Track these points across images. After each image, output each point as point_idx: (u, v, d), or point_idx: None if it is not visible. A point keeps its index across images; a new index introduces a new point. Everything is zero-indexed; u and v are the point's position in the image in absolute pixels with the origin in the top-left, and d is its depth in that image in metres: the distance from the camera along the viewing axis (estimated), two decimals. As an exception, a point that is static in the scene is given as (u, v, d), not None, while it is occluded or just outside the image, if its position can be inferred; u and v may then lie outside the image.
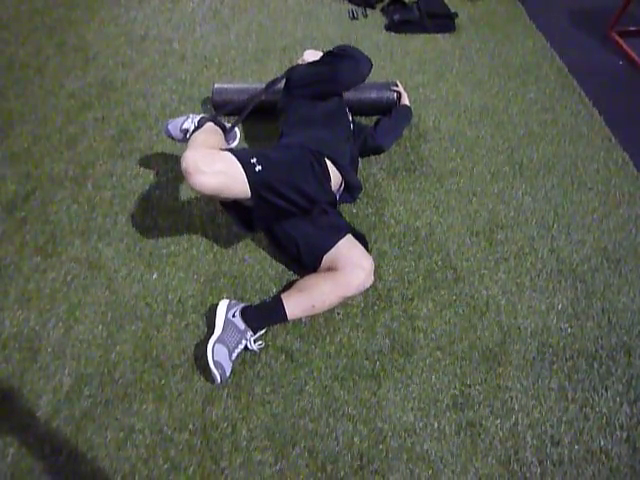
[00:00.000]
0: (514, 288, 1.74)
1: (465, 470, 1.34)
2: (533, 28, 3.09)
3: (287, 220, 1.64)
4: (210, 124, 1.73)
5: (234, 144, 1.85)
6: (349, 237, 1.66)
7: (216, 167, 1.37)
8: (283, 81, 1.95)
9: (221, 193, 1.41)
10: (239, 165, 1.42)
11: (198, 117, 1.81)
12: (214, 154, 1.43)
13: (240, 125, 1.92)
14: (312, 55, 2.05)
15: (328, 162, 1.66)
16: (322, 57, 1.94)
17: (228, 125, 1.80)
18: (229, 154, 1.45)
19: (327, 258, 1.61)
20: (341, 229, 1.67)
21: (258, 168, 1.44)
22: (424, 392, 1.48)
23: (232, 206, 1.56)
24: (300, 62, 2.03)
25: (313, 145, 1.66)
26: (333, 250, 1.61)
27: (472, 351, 1.57)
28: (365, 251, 1.66)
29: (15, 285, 1.70)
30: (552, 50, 2.88)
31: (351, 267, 1.56)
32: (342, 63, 1.88)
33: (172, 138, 1.89)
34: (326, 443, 1.38)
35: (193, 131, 1.75)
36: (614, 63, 2.83)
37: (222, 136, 1.73)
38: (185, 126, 1.79)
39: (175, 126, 1.85)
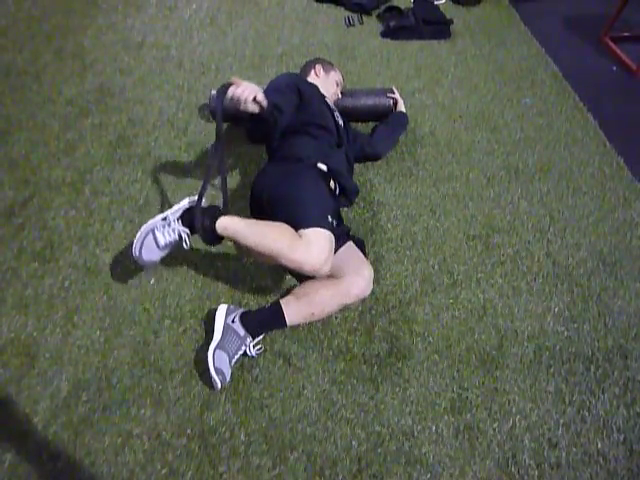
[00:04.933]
0: (510, 292, 1.75)
1: (463, 473, 1.34)
2: (528, 34, 3.12)
3: None
4: (222, 220, 1.46)
5: None
6: (350, 244, 1.67)
7: (327, 249, 1.42)
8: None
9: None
10: (330, 233, 1.46)
11: (173, 219, 1.51)
12: (318, 239, 1.42)
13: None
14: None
15: (325, 169, 1.68)
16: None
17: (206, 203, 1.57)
18: (321, 230, 1.44)
19: None
20: (341, 236, 1.68)
21: (334, 223, 1.52)
22: (422, 396, 1.49)
23: None
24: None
25: (315, 155, 1.69)
26: (333, 258, 1.61)
27: (469, 354, 1.58)
28: (365, 259, 1.66)
29: (13, 291, 1.70)
30: (547, 56, 2.91)
31: (351, 275, 1.56)
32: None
33: (153, 263, 1.54)
34: (324, 447, 1.38)
35: (188, 235, 1.50)
36: (608, 68, 2.86)
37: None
38: (165, 240, 1.47)
39: (150, 250, 1.48)
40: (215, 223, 1.46)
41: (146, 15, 3.17)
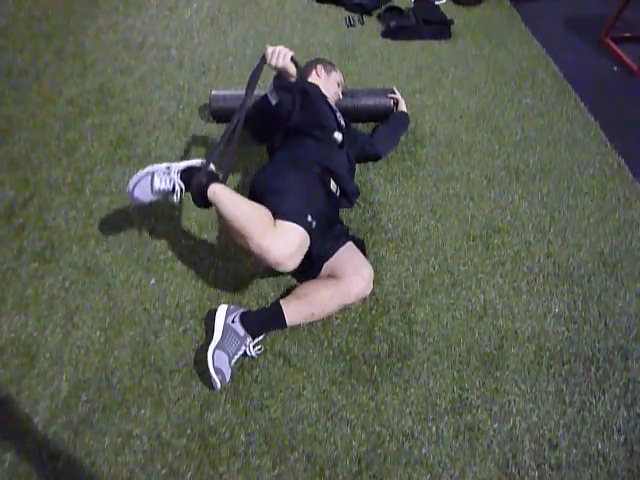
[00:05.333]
0: (511, 292, 1.74)
1: (463, 474, 1.34)
2: (528, 34, 3.12)
3: None
4: (218, 187, 1.48)
5: None
6: (349, 245, 1.67)
7: (296, 245, 1.40)
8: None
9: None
10: (305, 232, 1.44)
11: (174, 171, 1.55)
12: (288, 233, 1.41)
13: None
14: (280, 59, 1.61)
15: (326, 168, 1.68)
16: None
17: (212, 167, 1.60)
18: (295, 226, 1.42)
19: (327, 266, 1.62)
20: (341, 236, 1.68)
21: (314, 224, 1.48)
22: (422, 396, 1.48)
23: None
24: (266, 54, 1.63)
25: (314, 157, 1.68)
26: (333, 258, 1.61)
27: (470, 355, 1.58)
28: (365, 259, 1.66)
29: (13, 291, 1.70)
30: (547, 56, 2.91)
31: (351, 275, 1.56)
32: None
33: (141, 203, 1.57)
34: (324, 448, 1.37)
35: (181, 190, 1.53)
36: (609, 69, 2.86)
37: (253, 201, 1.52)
38: (160, 186, 1.52)
39: (143, 189, 1.54)
40: (209, 185, 1.48)
41: (147, 15, 3.18)
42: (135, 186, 1.54)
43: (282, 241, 1.37)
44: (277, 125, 1.78)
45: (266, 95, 1.72)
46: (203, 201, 1.50)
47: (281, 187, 1.57)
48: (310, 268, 1.63)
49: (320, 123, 1.77)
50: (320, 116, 1.80)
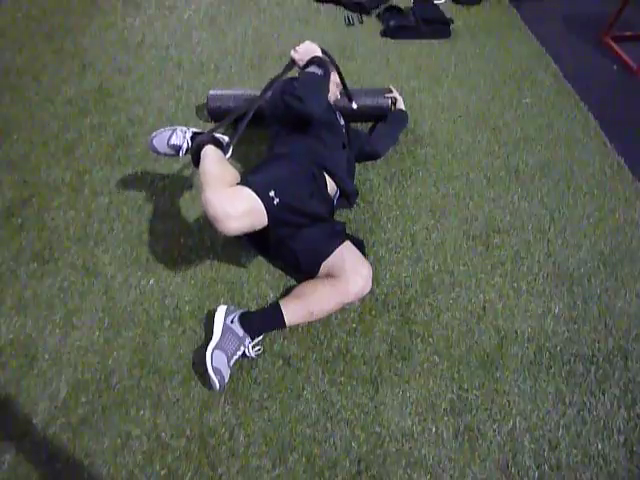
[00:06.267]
0: (511, 292, 1.74)
1: (463, 475, 1.34)
2: (528, 34, 3.12)
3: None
4: (212, 148, 1.67)
5: (227, 156, 1.80)
6: (347, 244, 1.66)
7: (242, 208, 1.36)
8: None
9: (246, 232, 1.42)
10: (261, 202, 1.41)
11: (189, 132, 1.79)
12: (238, 195, 1.40)
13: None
14: (307, 52, 1.77)
15: (324, 172, 1.68)
16: (289, 90, 1.67)
17: (225, 139, 1.79)
18: (250, 191, 1.41)
19: (325, 265, 1.61)
20: (339, 236, 1.68)
21: (276, 201, 1.44)
22: (422, 397, 1.48)
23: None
24: (293, 55, 1.79)
25: (311, 156, 1.67)
26: (331, 257, 1.61)
27: (469, 355, 1.58)
28: (363, 258, 1.66)
29: (12, 291, 1.70)
30: (547, 55, 2.90)
31: (349, 274, 1.56)
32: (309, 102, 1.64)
33: (157, 153, 1.82)
34: (324, 448, 1.37)
35: (188, 149, 1.76)
36: (608, 68, 2.85)
37: (230, 164, 1.65)
38: (174, 141, 1.77)
39: (161, 140, 1.79)
40: (206, 144, 1.67)
41: (145, 15, 3.17)
42: (156, 136, 1.80)
43: (228, 199, 1.35)
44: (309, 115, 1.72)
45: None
46: (197, 157, 1.68)
47: (262, 167, 1.64)
48: (309, 267, 1.63)
49: (325, 124, 1.79)
50: (325, 117, 1.81)
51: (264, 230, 1.47)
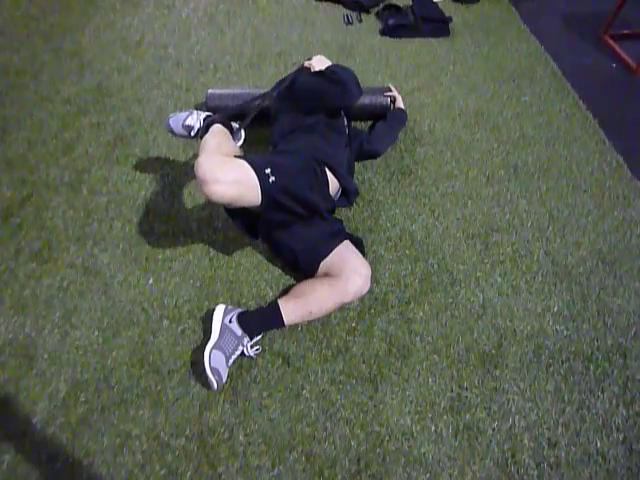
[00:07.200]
0: (510, 291, 1.74)
1: (462, 473, 1.34)
2: (527, 32, 3.11)
3: (286, 226, 1.64)
4: (219, 126, 1.74)
5: (239, 144, 1.86)
6: (346, 243, 1.66)
7: (232, 176, 1.35)
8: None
9: (234, 202, 1.40)
10: (254, 175, 1.40)
11: (203, 115, 1.86)
12: (230, 162, 1.41)
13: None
14: (320, 62, 1.95)
15: (327, 170, 1.67)
16: (327, 72, 1.80)
17: (235, 126, 1.82)
18: (245, 162, 1.42)
19: (324, 264, 1.61)
20: (338, 235, 1.68)
21: (272, 179, 1.42)
22: (421, 395, 1.48)
23: (237, 212, 1.55)
24: (307, 64, 1.98)
25: (315, 154, 1.67)
26: (330, 256, 1.61)
27: (469, 354, 1.58)
28: (362, 257, 1.66)
29: (10, 291, 1.70)
30: (546, 54, 2.90)
31: (348, 273, 1.56)
32: (350, 86, 1.79)
33: (172, 133, 1.91)
34: (323, 447, 1.37)
35: (199, 130, 1.83)
36: (607, 66, 2.85)
37: (232, 141, 1.75)
38: (189, 122, 1.85)
39: (177, 121, 1.87)
40: (215, 123, 1.75)
41: (144, 14, 3.17)
42: (173, 117, 1.90)
43: (220, 164, 1.36)
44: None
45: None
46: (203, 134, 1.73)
47: (264, 156, 1.70)
48: (308, 266, 1.63)
49: (329, 122, 1.81)
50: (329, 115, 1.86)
51: (256, 213, 1.49)
